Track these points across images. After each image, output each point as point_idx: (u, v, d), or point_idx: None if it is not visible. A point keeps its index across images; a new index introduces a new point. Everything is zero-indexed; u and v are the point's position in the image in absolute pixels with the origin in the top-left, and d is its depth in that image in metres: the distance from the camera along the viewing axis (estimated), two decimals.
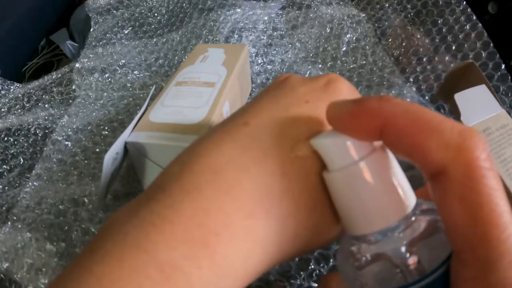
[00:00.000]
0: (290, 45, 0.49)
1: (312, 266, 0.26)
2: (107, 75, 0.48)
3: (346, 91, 0.18)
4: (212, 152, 0.15)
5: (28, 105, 0.46)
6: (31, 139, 0.41)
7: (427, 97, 0.39)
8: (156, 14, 0.57)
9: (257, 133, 0.16)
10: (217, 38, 0.49)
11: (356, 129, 0.13)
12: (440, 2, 0.42)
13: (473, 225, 0.10)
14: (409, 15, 0.46)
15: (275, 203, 0.14)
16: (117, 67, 0.49)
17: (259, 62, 0.47)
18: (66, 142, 0.40)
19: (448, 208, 0.11)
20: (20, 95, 0.46)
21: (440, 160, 0.11)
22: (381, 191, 0.14)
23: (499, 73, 0.35)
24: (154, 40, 0.53)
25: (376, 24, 0.48)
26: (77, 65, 0.49)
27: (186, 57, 0.42)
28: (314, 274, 0.26)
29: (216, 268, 0.13)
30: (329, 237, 0.17)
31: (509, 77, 0.35)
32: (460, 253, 0.11)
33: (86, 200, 0.34)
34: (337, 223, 0.16)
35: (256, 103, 0.18)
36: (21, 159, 0.39)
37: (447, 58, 0.40)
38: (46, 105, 0.45)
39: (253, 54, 0.47)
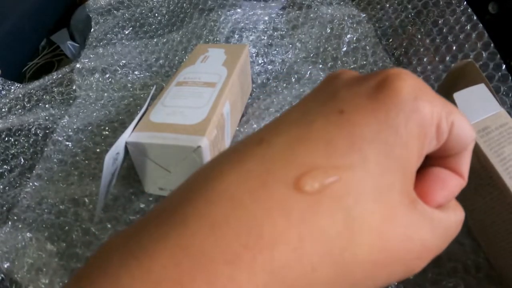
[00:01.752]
0: (290, 45, 0.49)
1: None
2: (107, 76, 0.48)
3: (406, 92, 0.13)
4: (215, 179, 0.13)
5: (28, 105, 0.46)
6: (32, 139, 0.41)
7: None
8: (156, 15, 0.57)
9: (268, 155, 0.13)
10: (218, 38, 0.49)
11: None
12: (441, 2, 0.42)
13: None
14: (409, 15, 0.46)
15: (265, 249, 0.11)
16: (118, 68, 0.49)
17: (260, 62, 0.47)
18: (67, 142, 0.40)
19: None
20: (20, 95, 0.46)
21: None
22: None
23: (499, 73, 0.35)
24: (155, 40, 0.53)
25: (376, 24, 0.48)
26: (77, 65, 0.49)
27: (186, 57, 0.42)
28: None
29: None
30: None
31: (510, 78, 0.35)
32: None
33: (86, 200, 0.34)
34: None
35: (284, 114, 0.15)
36: (22, 159, 0.39)
37: (447, 58, 0.40)
38: (47, 105, 0.45)
39: (254, 54, 0.47)
